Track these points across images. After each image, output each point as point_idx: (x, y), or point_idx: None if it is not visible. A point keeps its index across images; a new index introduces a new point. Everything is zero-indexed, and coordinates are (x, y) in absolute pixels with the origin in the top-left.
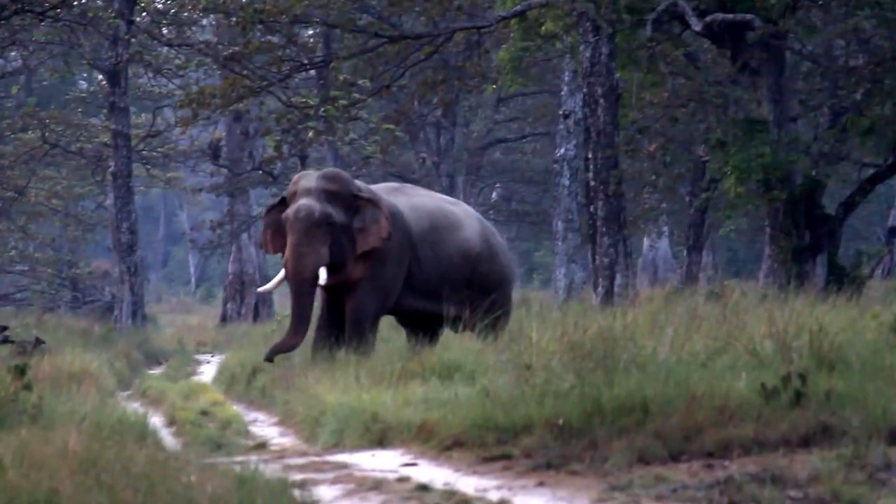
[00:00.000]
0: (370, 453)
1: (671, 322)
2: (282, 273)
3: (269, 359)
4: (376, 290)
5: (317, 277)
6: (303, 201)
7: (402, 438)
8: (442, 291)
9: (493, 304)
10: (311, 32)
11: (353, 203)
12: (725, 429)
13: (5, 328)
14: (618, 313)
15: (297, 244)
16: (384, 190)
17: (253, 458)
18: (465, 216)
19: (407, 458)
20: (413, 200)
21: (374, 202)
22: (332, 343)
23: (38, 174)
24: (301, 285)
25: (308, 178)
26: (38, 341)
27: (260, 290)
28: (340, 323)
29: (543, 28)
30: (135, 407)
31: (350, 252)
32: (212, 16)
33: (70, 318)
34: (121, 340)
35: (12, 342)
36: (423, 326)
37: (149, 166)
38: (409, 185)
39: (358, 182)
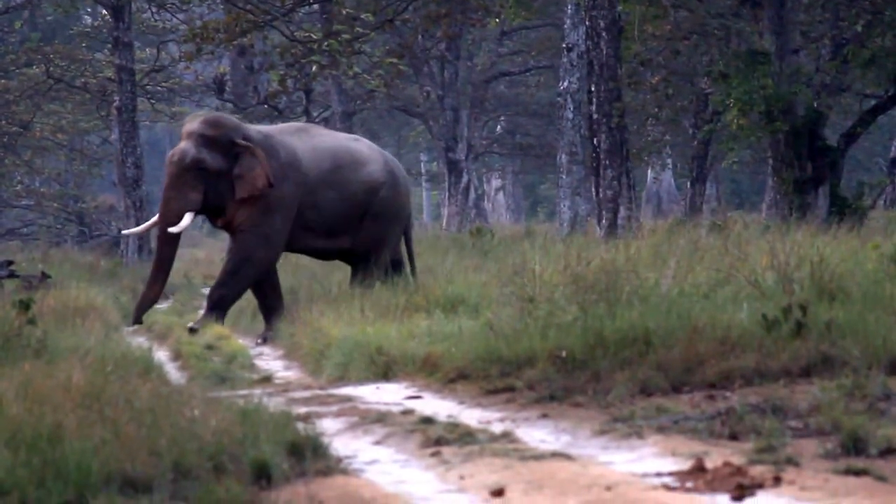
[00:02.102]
0: (374, 386)
1: (674, 254)
2: (155, 217)
3: (138, 320)
4: (261, 237)
5: (179, 222)
6: (180, 145)
7: (406, 371)
8: (342, 228)
9: (381, 234)
10: None
11: (231, 149)
12: (727, 360)
13: (11, 263)
14: (621, 245)
15: (166, 188)
16: (285, 131)
17: (257, 391)
18: (368, 152)
19: (411, 391)
20: (314, 142)
21: (252, 150)
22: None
23: (42, 109)
24: (164, 229)
25: (191, 122)
26: (44, 276)
27: (125, 232)
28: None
29: None
30: (140, 341)
31: (229, 198)
32: None
33: (76, 252)
34: (127, 275)
35: (18, 277)
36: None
37: (153, 101)
38: (312, 126)
39: (252, 127)
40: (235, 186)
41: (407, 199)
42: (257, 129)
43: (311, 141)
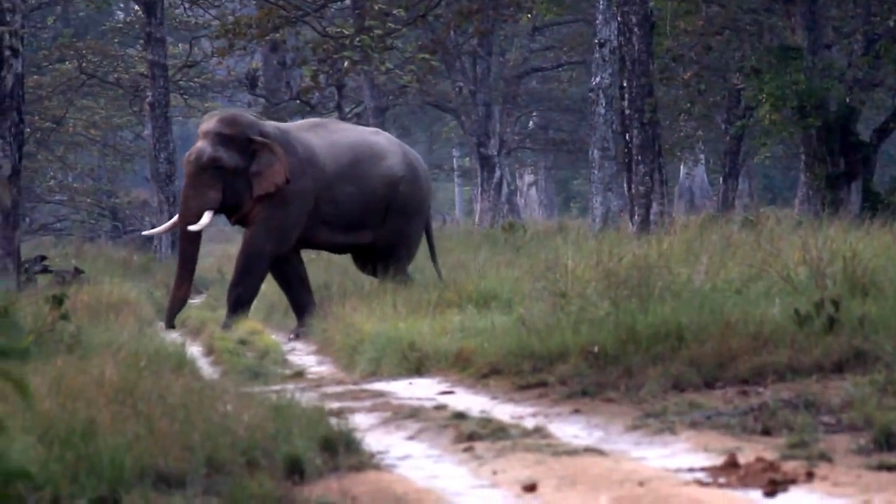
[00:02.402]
0: (407, 381)
1: (706, 249)
2: (176, 217)
3: (171, 324)
4: (271, 230)
5: (199, 220)
6: (197, 144)
7: (439, 366)
8: (363, 223)
9: (405, 230)
10: None
11: (248, 147)
12: (759, 355)
13: (44, 258)
14: (653, 241)
15: (185, 187)
16: (303, 127)
17: (290, 386)
18: (388, 145)
19: (444, 386)
20: (333, 137)
21: (269, 147)
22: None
23: (75, 104)
24: (185, 229)
25: (208, 121)
26: (77, 271)
27: (146, 234)
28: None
29: None
30: (173, 336)
31: (247, 196)
32: None
33: (109, 247)
34: (160, 270)
35: (51, 272)
36: (361, 259)
37: (186, 96)
38: (331, 121)
39: (269, 123)
40: (253, 183)
41: (428, 192)
42: (274, 125)
43: (329, 136)
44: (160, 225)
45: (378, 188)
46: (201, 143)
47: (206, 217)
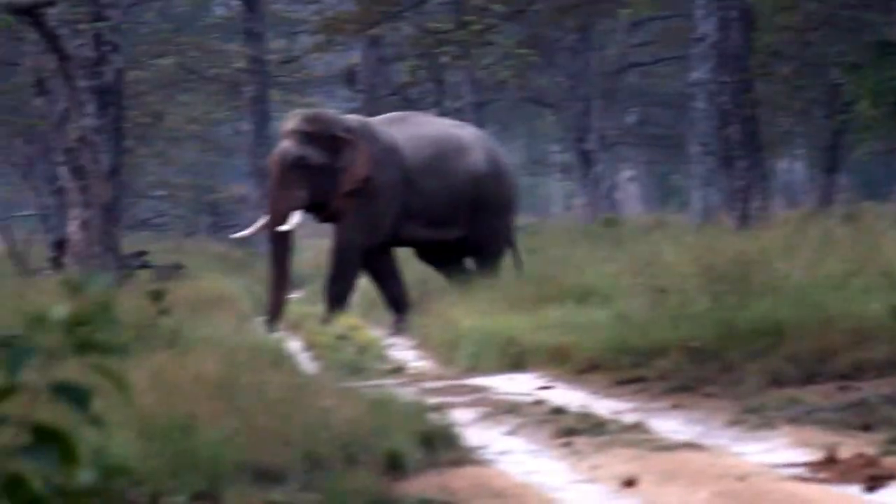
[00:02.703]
0: (506, 376)
1: (806, 244)
2: (264, 218)
3: (274, 328)
4: (361, 223)
5: (288, 220)
6: (281, 144)
7: (537, 362)
8: (448, 218)
9: (495, 227)
10: None
11: (333, 143)
12: (859, 351)
13: (144, 253)
14: (753, 236)
15: (272, 188)
16: (386, 121)
17: (390, 382)
18: (472, 139)
19: (543, 382)
20: (416, 130)
21: (352, 142)
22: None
23: (175, 100)
24: (274, 230)
25: (290, 121)
26: (177, 266)
27: (233, 236)
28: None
29: None
30: (272, 332)
31: (334, 192)
32: None
33: (209, 242)
34: (259, 265)
35: (151, 267)
36: (439, 258)
37: (285, 92)
38: (415, 114)
39: (351, 117)
40: (339, 179)
41: (513, 188)
42: (356, 119)
43: (411, 129)
44: (258, 220)
45: (461, 183)
46: (286, 143)
47: (296, 217)
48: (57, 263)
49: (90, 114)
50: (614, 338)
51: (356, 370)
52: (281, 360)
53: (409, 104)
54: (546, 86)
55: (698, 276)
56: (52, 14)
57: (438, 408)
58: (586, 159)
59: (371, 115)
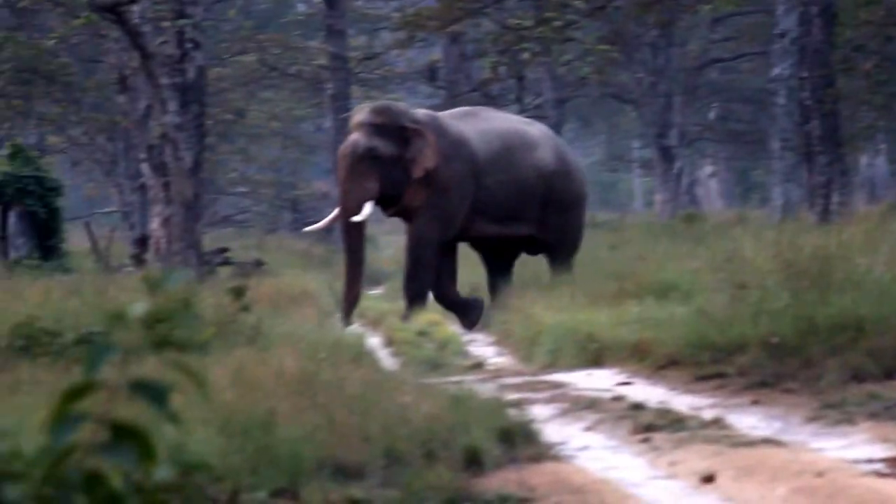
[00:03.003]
0: (585, 372)
1: (887, 240)
2: (336, 211)
3: (348, 322)
4: (435, 218)
5: (361, 212)
6: (351, 137)
7: (617, 358)
8: (517, 214)
9: (567, 224)
10: None
11: (402, 134)
12: None
13: (226, 250)
14: (833, 231)
15: (343, 180)
16: (454, 115)
17: (469, 377)
18: (539, 135)
19: (622, 377)
20: (484, 125)
21: (421, 132)
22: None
23: (256, 97)
24: (348, 221)
25: (359, 113)
26: (258, 263)
27: (307, 230)
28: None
29: None
30: (353, 328)
31: (404, 183)
32: None
33: (290, 239)
34: (340, 262)
35: (233, 263)
36: (499, 254)
37: (367, 88)
38: (483, 108)
39: (418, 111)
40: (409, 169)
41: (583, 185)
42: (425, 112)
43: (479, 124)
44: (330, 213)
45: (530, 178)
46: (355, 135)
47: (368, 208)
48: (139, 260)
49: (172, 111)
50: (694, 334)
51: (436, 366)
52: (361, 356)
53: (490, 100)
54: (627, 82)
55: (778, 271)
56: (135, 11)
57: (517, 404)
58: (667, 155)
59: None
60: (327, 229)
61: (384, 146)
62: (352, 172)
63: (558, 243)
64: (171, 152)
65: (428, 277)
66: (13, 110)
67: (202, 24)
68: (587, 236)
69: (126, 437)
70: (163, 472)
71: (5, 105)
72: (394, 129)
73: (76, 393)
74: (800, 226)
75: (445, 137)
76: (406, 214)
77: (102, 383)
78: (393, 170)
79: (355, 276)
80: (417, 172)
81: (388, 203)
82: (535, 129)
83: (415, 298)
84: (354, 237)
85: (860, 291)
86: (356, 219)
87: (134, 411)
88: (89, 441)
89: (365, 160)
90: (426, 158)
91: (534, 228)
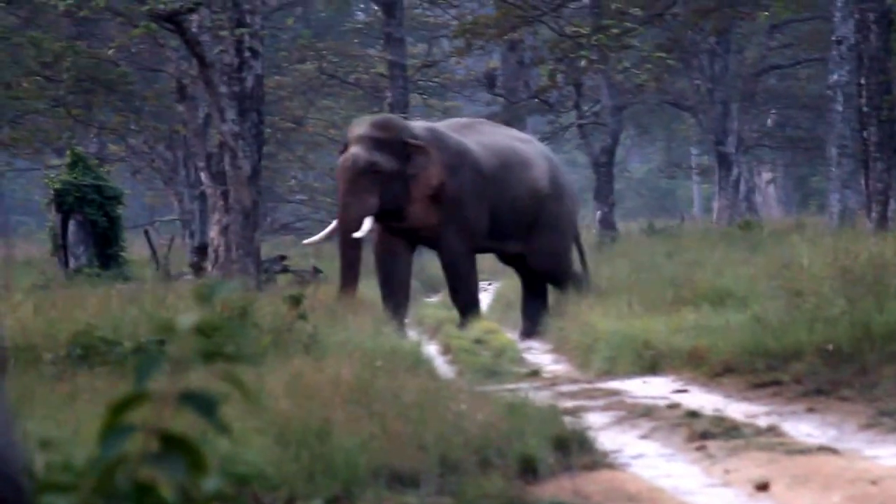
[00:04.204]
0: (641, 380)
1: None
2: (334, 223)
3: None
4: (460, 231)
5: (361, 227)
6: (351, 150)
7: (673, 365)
8: (509, 231)
9: (554, 244)
10: None
11: (403, 150)
12: None
13: (285, 258)
14: (890, 238)
15: (343, 193)
16: (454, 127)
17: (525, 385)
18: (535, 154)
19: (678, 385)
20: (483, 138)
21: (423, 148)
22: (397, 302)
23: (315, 105)
24: (346, 235)
25: (359, 126)
26: (316, 271)
27: (306, 242)
28: (399, 275)
29: None
30: (410, 336)
31: (405, 199)
32: None
33: None
34: None
35: (291, 271)
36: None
37: (425, 96)
38: (480, 121)
39: (419, 123)
40: (411, 186)
41: (575, 206)
42: (424, 125)
43: (477, 137)
44: (329, 226)
45: (522, 196)
46: (355, 149)
47: (367, 223)
48: (198, 268)
49: (230, 119)
50: (750, 341)
51: (492, 374)
52: (417, 364)
53: (549, 107)
54: (685, 89)
55: (834, 278)
56: (194, 21)
57: (573, 411)
58: (725, 162)
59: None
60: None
61: (385, 161)
62: (352, 186)
63: (542, 263)
64: (230, 161)
65: (472, 286)
66: (74, 119)
67: (260, 33)
68: (644, 243)
69: (176, 447)
70: (211, 484)
71: (66, 114)
72: (395, 144)
73: (126, 404)
74: (856, 232)
75: (448, 150)
76: (417, 233)
77: (152, 394)
78: (393, 185)
79: (349, 285)
80: (424, 191)
81: (390, 217)
82: (532, 148)
83: (467, 308)
84: (352, 252)
85: None
86: (355, 235)
87: (186, 422)
88: (139, 452)
89: (366, 174)
90: (431, 176)
91: (523, 246)
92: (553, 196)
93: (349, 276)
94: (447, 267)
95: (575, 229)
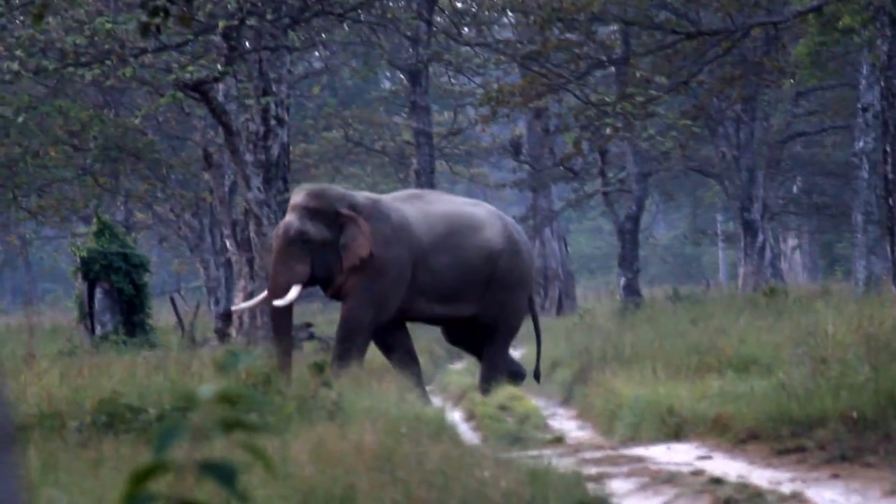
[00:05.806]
0: (665, 446)
1: None
2: (264, 293)
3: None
4: (367, 302)
5: (287, 294)
6: (285, 218)
7: (697, 431)
8: (461, 295)
9: (508, 303)
10: (609, 29)
11: (336, 220)
12: None
13: (311, 325)
14: None
15: (273, 261)
16: (399, 198)
17: (549, 452)
18: (486, 216)
19: (702, 451)
20: (428, 207)
21: (354, 219)
22: (410, 371)
23: (341, 172)
24: (272, 303)
25: (296, 195)
26: None
27: (234, 308)
28: (399, 344)
29: (841, 22)
30: (434, 402)
31: (338, 268)
32: (510, 14)
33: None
34: (421, 337)
35: (317, 338)
36: (464, 337)
37: (451, 163)
38: (428, 192)
39: (361, 194)
40: (342, 255)
41: (530, 266)
42: (366, 196)
43: (424, 206)
44: (259, 294)
45: (475, 259)
46: (289, 217)
47: (294, 291)
48: (223, 335)
49: (256, 187)
50: (774, 407)
51: (516, 440)
52: (441, 430)
53: (574, 175)
54: (710, 156)
55: (859, 345)
56: (220, 89)
57: (596, 478)
58: (750, 229)
59: (537, 185)
60: None
61: (316, 230)
62: (282, 254)
63: (499, 322)
64: (255, 228)
65: (356, 356)
66: (101, 187)
67: (286, 101)
68: (669, 309)
69: None
70: None
71: (93, 182)
72: (327, 214)
73: (147, 473)
74: (882, 299)
75: (387, 222)
76: (341, 297)
77: (172, 464)
78: (325, 254)
79: (283, 353)
80: (351, 261)
81: (323, 285)
82: (482, 210)
83: (334, 360)
84: (281, 319)
85: None
86: (279, 303)
87: (209, 492)
88: None
89: (296, 243)
90: (360, 247)
91: (477, 308)
92: (508, 253)
93: (281, 346)
94: (341, 329)
95: (530, 289)
